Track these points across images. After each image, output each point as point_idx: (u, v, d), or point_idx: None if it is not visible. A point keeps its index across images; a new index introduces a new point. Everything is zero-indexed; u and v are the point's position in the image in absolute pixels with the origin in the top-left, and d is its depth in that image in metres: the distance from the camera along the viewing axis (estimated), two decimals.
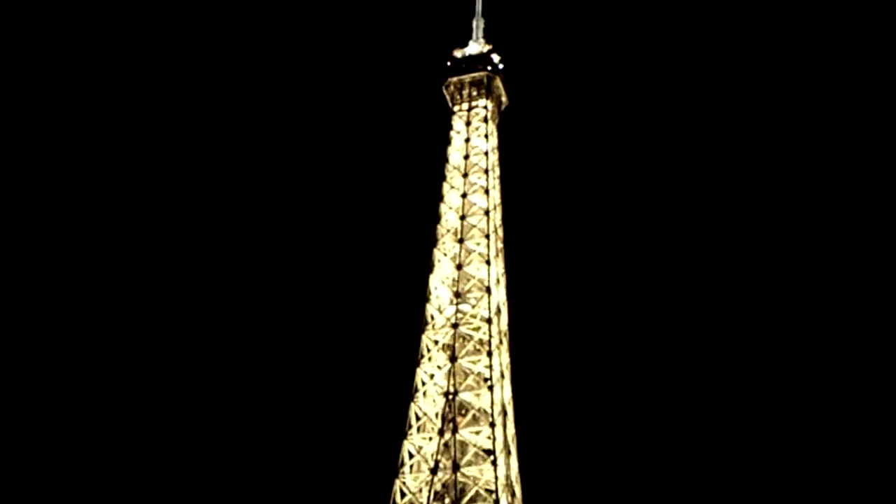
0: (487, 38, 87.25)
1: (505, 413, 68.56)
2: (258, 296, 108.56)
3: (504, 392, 69.47)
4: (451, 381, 68.38)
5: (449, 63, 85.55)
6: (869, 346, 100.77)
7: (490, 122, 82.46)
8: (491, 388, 67.97)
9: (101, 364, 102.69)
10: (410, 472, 66.74)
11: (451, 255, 74.61)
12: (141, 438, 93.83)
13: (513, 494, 66.18)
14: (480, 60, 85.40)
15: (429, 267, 74.35)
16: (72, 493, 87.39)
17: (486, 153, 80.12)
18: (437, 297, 73.33)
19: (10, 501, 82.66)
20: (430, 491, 65.00)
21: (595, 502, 77.37)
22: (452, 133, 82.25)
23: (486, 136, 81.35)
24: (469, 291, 72.79)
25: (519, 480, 67.81)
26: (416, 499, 65.40)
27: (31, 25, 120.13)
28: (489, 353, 69.36)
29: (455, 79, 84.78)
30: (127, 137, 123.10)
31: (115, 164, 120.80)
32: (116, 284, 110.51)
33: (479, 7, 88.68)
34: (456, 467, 64.99)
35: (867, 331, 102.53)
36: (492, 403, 67.30)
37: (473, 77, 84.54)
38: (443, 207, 77.42)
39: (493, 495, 64.16)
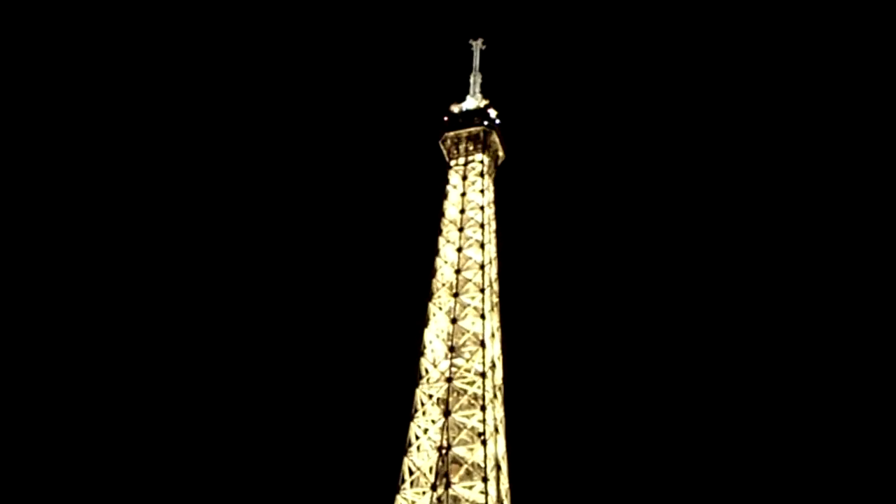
0: (484, 93, 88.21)
1: (498, 468, 68.33)
2: (246, 344, 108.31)
3: (498, 447, 69.30)
4: (445, 436, 68.25)
5: (446, 118, 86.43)
6: (869, 347, 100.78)
7: (486, 177, 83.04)
8: (485, 442, 67.83)
9: (103, 365, 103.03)
10: None
11: (445, 308, 74.78)
12: (137, 440, 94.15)
13: None
14: (477, 115, 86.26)
15: (423, 321, 74.53)
16: (72, 493, 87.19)
17: (482, 207, 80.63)
18: (432, 350, 73.40)
19: (10, 502, 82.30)
20: None
21: None
22: (449, 187, 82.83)
23: (483, 191, 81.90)
24: (464, 345, 72.87)
25: None
26: None
27: (30, 25, 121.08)
28: (483, 408, 69.26)
29: (452, 133, 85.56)
30: (126, 138, 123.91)
31: (114, 164, 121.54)
32: (117, 286, 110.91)
33: (476, 62, 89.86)
34: None
35: (867, 331, 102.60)
36: (485, 458, 67.15)
37: (470, 132, 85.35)
38: (438, 261, 77.70)
39: None
